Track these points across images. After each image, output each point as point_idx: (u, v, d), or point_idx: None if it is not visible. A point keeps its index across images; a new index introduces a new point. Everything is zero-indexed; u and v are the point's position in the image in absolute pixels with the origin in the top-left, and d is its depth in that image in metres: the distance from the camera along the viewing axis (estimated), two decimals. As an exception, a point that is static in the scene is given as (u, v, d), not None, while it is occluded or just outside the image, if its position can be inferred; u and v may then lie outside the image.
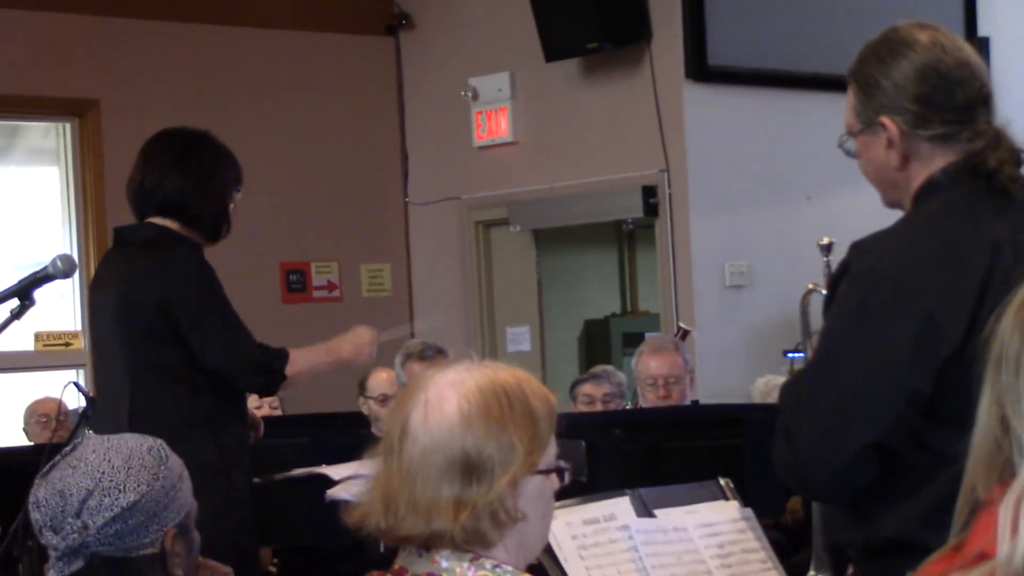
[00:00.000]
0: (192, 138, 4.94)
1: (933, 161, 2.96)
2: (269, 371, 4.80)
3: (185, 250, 4.77)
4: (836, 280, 2.96)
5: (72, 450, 2.73)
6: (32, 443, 7.05)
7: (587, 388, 7.45)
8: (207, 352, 4.70)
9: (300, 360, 4.86)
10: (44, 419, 6.83)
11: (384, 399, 7.15)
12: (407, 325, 6.02)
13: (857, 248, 2.95)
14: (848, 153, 3.08)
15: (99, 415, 4.89)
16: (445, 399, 2.52)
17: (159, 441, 2.80)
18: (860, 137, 3.03)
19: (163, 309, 4.66)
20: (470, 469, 2.48)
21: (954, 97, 2.94)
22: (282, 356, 4.82)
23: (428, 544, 2.52)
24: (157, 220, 4.85)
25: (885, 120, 2.96)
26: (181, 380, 4.69)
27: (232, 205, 4.92)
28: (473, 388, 2.53)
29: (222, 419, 4.74)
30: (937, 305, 2.81)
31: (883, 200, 3.09)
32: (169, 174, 4.82)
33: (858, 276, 2.91)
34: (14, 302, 4.27)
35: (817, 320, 3.25)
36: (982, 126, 2.93)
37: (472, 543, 2.51)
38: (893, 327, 2.83)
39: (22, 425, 7.44)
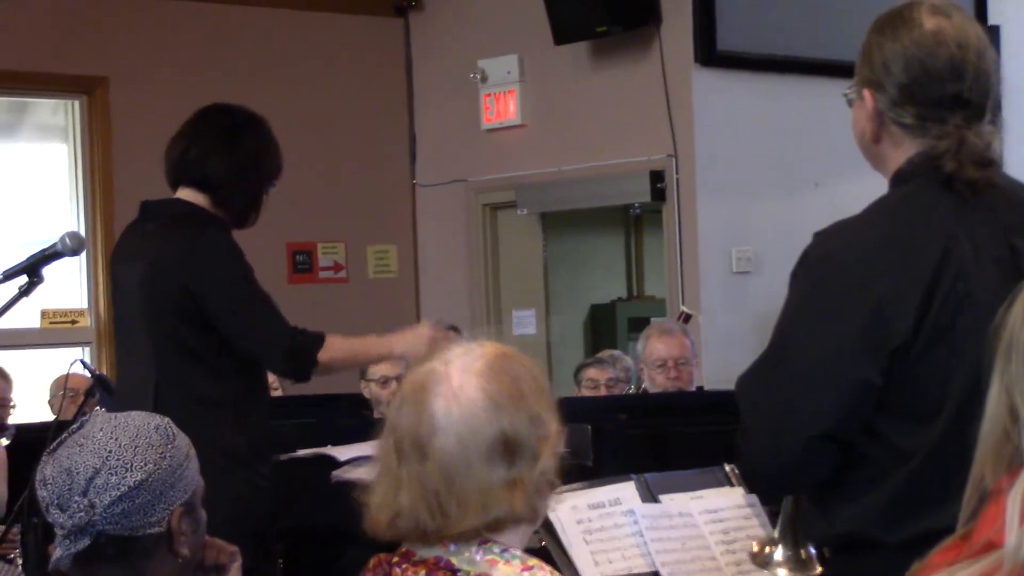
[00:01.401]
0: (246, 120, 4.86)
1: (903, 146, 2.96)
2: (300, 355, 4.65)
3: (214, 231, 4.69)
4: (796, 269, 2.95)
5: (79, 428, 2.73)
6: (51, 418, 7.05)
7: (591, 372, 7.46)
8: (237, 336, 4.63)
9: (337, 347, 4.69)
10: (72, 394, 6.84)
11: (385, 381, 7.15)
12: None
13: (817, 236, 2.95)
14: (848, 103, 3.08)
15: (121, 392, 4.82)
16: (466, 385, 2.49)
17: (166, 419, 2.79)
18: (855, 98, 3.04)
19: (191, 292, 4.59)
20: (511, 449, 2.47)
21: (931, 93, 2.92)
22: (316, 341, 4.66)
23: (489, 529, 2.49)
24: (187, 195, 4.76)
25: (867, 94, 2.98)
26: (207, 363, 4.63)
27: (265, 197, 4.84)
28: (486, 369, 2.51)
29: (247, 404, 4.68)
30: (886, 295, 2.79)
31: (869, 163, 3.10)
32: (215, 151, 4.73)
33: (812, 264, 2.91)
34: (22, 279, 4.28)
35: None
36: (950, 127, 2.91)
37: (527, 521, 2.50)
38: (842, 316, 2.82)
39: (47, 398, 7.46)
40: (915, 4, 2.99)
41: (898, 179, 2.96)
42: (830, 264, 2.87)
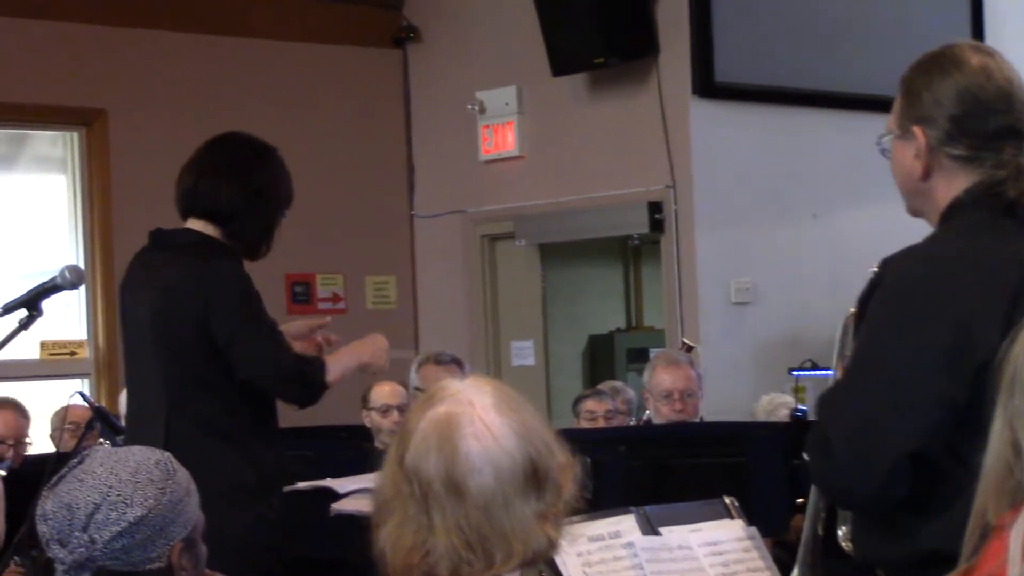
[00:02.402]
0: (258, 150, 4.84)
1: (956, 180, 3.03)
2: (310, 384, 4.69)
3: (224, 262, 4.67)
4: (867, 296, 3.01)
5: (79, 463, 2.73)
6: (47, 451, 7.04)
7: (590, 404, 7.44)
8: (246, 366, 4.60)
9: (335, 369, 4.74)
10: (72, 427, 6.83)
11: (386, 410, 7.15)
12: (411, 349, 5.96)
13: (888, 262, 3.01)
14: (883, 152, 3.15)
15: (132, 423, 4.79)
16: (492, 423, 2.48)
17: (167, 455, 2.79)
18: (895, 141, 3.10)
19: (201, 323, 4.56)
20: (540, 479, 2.47)
21: (986, 124, 3.01)
22: (320, 366, 4.71)
23: (528, 564, 2.49)
24: (198, 225, 4.72)
25: (917, 130, 3.04)
26: (218, 395, 4.60)
27: (278, 228, 4.83)
28: (500, 404, 2.50)
29: (258, 437, 4.65)
30: (969, 314, 2.85)
31: (906, 207, 3.16)
32: (226, 183, 4.70)
33: (890, 287, 2.96)
34: (22, 312, 4.29)
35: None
36: (1007, 157, 3.00)
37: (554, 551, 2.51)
38: (926, 334, 2.87)
39: (48, 431, 7.45)
40: (955, 45, 3.09)
41: (954, 210, 3.01)
42: (910, 285, 2.93)
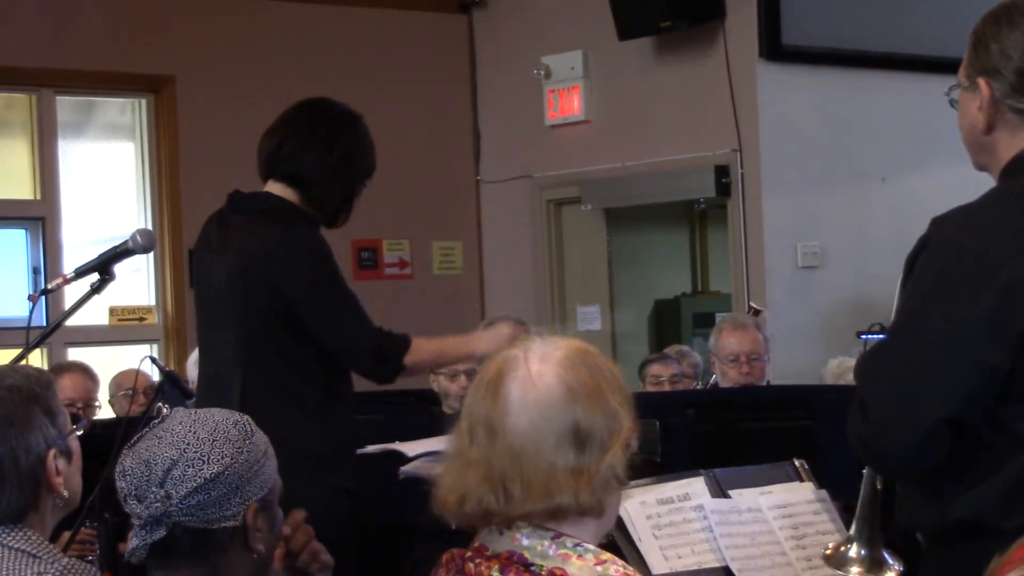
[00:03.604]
0: (344, 119, 4.82)
1: (1018, 134, 2.96)
2: (386, 359, 4.62)
3: (304, 228, 4.65)
4: (915, 255, 2.94)
5: (160, 422, 2.77)
6: (114, 416, 7.10)
7: (655, 368, 7.45)
8: (324, 336, 4.58)
9: (422, 349, 4.66)
10: (132, 392, 6.90)
11: (454, 375, 7.15)
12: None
13: (937, 222, 2.94)
14: (951, 103, 3.08)
15: (206, 388, 4.76)
16: (543, 373, 2.52)
17: (245, 417, 2.82)
18: (962, 92, 3.03)
19: (278, 290, 4.55)
20: (582, 439, 2.50)
21: None
22: (401, 344, 4.63)
23: (552, 516, 2.52)
24: (277, 188, 4.71)
25: (982, 82, 2.97)
26: (294, 361, 4.58)
27: (357, 197, 4.81)
28: (565, 360, 2.54)
29: (333, 406, 4.63)
30: (1017, 278, 2.78)
31: (972, 161, 3.09)
32: (310, 148, 4.69)
33: (938, 248, 2.90)
34: (94, 276, 4.32)
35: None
36: None
37: (591, 513, 2.52)
38: (972, 299, 2.80)
39: (107, 398, 7.53)
40: None
41: (1015, 166, 2.95)
42: (958, 247, 2.87)
